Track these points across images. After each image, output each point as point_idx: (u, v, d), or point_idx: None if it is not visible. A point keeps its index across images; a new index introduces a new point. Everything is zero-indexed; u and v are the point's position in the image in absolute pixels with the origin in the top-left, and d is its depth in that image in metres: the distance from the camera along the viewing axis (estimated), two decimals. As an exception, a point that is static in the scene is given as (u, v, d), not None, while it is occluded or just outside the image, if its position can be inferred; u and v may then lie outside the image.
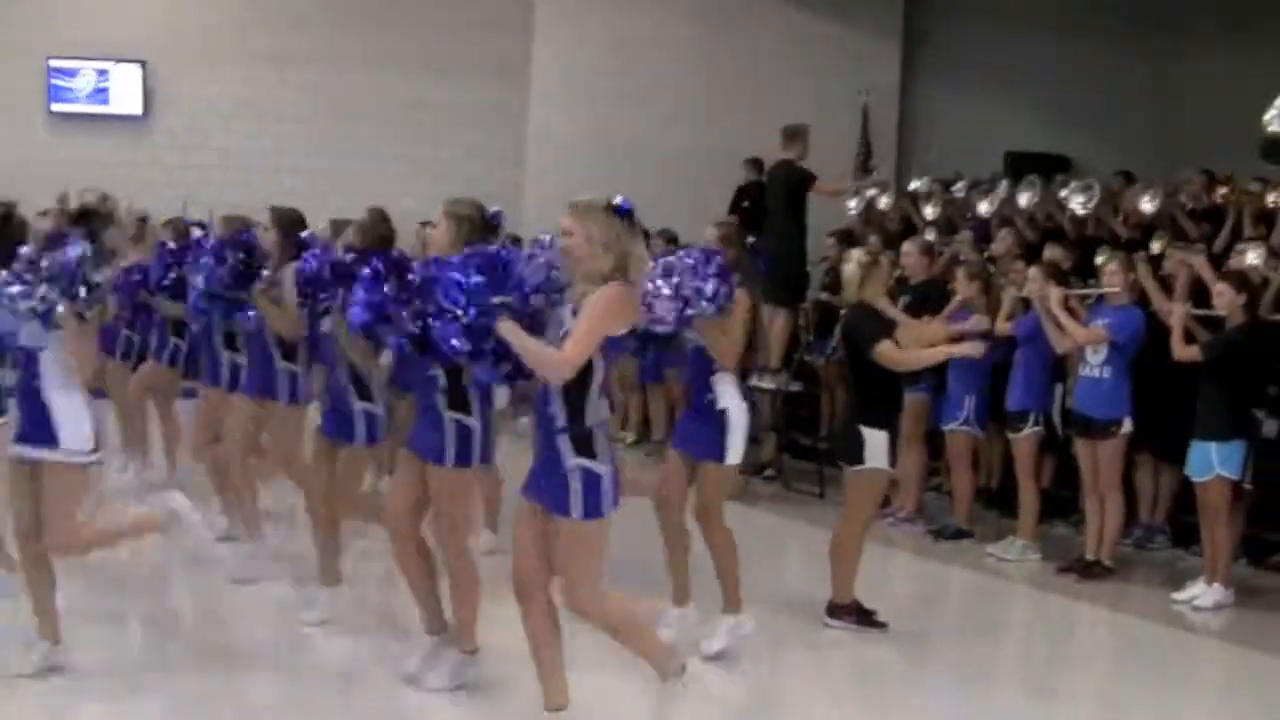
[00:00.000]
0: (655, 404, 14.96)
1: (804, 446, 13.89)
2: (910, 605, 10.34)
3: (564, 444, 5.97)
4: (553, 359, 5.87)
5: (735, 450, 8.13)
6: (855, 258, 8.96)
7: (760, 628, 8.74)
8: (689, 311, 7.73)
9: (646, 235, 16.03)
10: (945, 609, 10.63)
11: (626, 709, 7.08)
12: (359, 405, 8.07)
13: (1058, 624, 10.21)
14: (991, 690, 8.44)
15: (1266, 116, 13.69)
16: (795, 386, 13.64)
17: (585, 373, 5.94)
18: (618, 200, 6.02)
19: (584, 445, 5.98)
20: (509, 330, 5.93)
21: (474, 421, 7.09)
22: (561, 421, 5.96)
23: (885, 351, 8.64)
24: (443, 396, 7.07)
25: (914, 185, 16.33)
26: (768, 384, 13.65)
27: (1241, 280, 10.23)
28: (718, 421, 8.08)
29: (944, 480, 12.53)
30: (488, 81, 19.58)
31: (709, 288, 7.74)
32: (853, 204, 16.10)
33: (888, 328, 8.84)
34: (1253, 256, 11.09)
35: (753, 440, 13.82)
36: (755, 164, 16.81)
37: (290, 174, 19.04)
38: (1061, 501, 11.90)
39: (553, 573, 6.20)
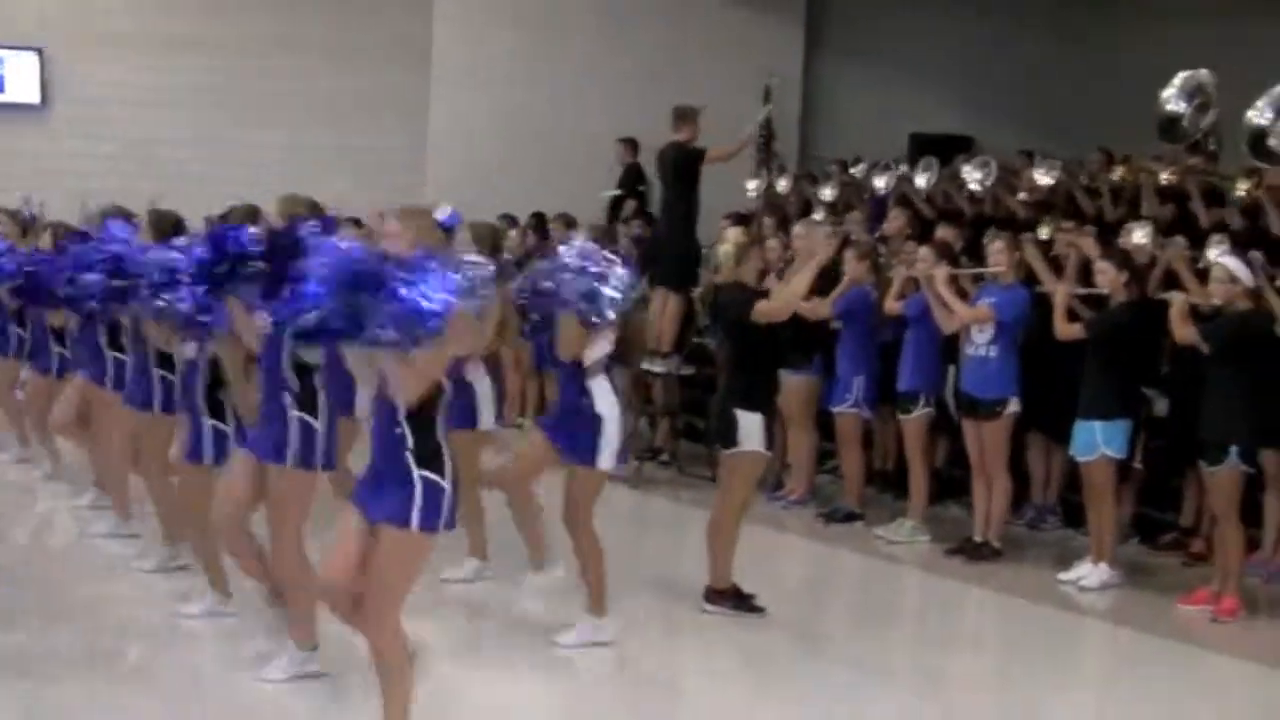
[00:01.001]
0: (552, 390, 14.76)
1: (699, 430, 13.76)
2: (799, 589, 10.36)
3: (409, 458, 5.83)
4: (412, 374, 5.69)
5: (607, 455, 8.04)
6: (731, 238, 8.90)
7: (654, 613, 8.84)
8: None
9: (543, 220, 16.04)
10: (834, 592, 10.64)
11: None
12: (209, 422, 7.92)
13: (945, 606, 10.21)
14: (879, 673, 8.39)
15: (1164, 94, 13.71)
16: (688, 370, 13.51)
17: (434, 394, 5.83)
18: (445, 213, 5.92)
19: (430, 459, 5.84)
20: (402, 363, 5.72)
21: (319, 423, 6.97)
22: (410, 441, 5.82)
23: (763, 307, 8.60)
24: (291, 396, 6.94)
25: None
26: (659, 368, 13.56)
27: (1124, 259, 10.20)
28: (591, 424, 7.99)
29: (839, 463, 12.41)
30: (390, 65, 19.34)
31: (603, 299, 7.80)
32: (751, 185, 15.97)
33: (759, 295, 8.74)
34: (1139, 236, 11.05)
35: (649, 423, 13.93)
36: (630, 145, 16.69)
37: (196, 162, 18.76)
38: (955, 482, 11.83)
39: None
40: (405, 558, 5.90)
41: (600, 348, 8.06)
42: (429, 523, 5.83)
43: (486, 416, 8.99)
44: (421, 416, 5.80)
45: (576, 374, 8.03)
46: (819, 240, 9.44)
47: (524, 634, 8.42)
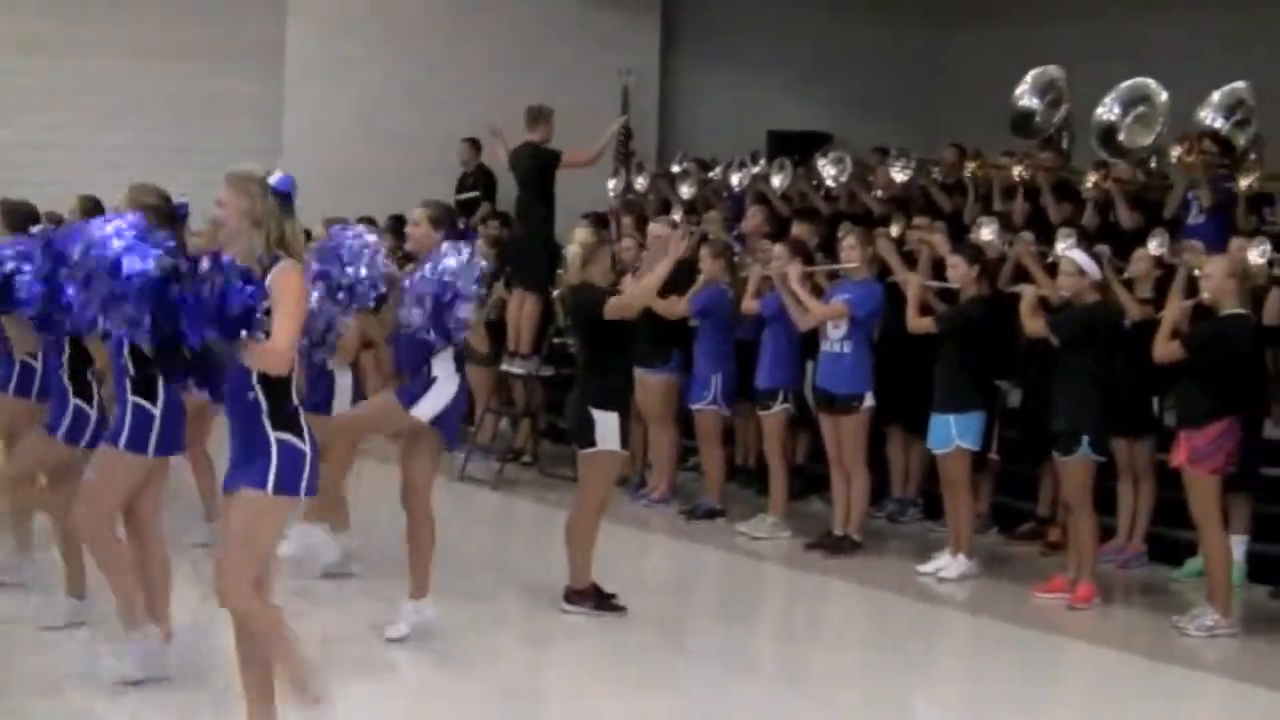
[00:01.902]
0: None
1: (560, 431, 13.79)
2: (662, 586, 10.41)
3: (266, 423, 5.78)
4: (269, 354, 5.66)
5: (427, 406, 8.06)
6: (578, 239, 8.91)
7: (517, 614, 8.91)
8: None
9: (401, 222, 15.94)
10: (697, 589, 10.69)
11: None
12: (73, 401, 7.83)
13: (807, 601, 10.32)
14: (742, 668, 8.48)
15: (1018, 91, 13.97)
16: (547, 371, 13.55)
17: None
18: (275, 176, 5.86)
19: (288, 423, 5.80)
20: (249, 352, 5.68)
21: (155, 409, 6.93)
22: (264, 405, 5.77)
23: (615, 303, 8.67)
24: (130, 382, 6.92)
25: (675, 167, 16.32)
26: (519, 369, 13.59)
27: (975, 253, 10.37)
28: (427, 382, 8.10)
29: (700, 460, 12.52)
30: (243, 66, 19.13)
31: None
32: (610, 184, 16.04)
33: (610, 295, 8.83)
34: (987, 233, 11.23)
35: (511, 424, 13.96)
36: (475, 145, 16.70)
37: (41, 166, 18.44)
38: (816, 477, 11.95)
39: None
40: (259, 520, 5.83)
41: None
42: (286, 486, 5.78)
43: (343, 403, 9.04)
44: (274, 381, 5.76)
45: (421, 348, 8.10)
46: (673, 237, 9.48)
47: (378, 632, 8.41)
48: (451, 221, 8.51)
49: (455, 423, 8.35)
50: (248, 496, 5.79)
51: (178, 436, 7.14)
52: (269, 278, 5.70)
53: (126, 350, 6.83)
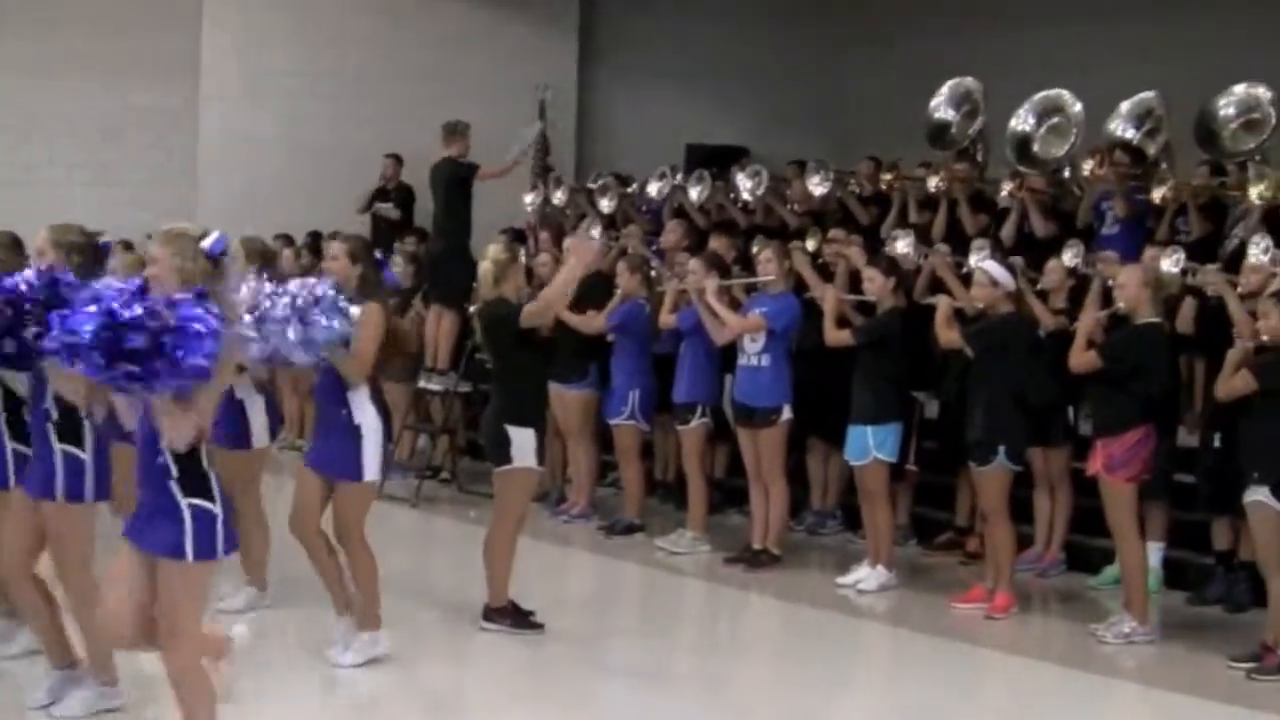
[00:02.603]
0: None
1: (479, 447, 13.75)
2: (582, 602, 10.40)
3: (175, 488, 5.75)
4: (182, 432, 5.62)
5: (371, 465, 8.00)
6: (491, 254, 8.87)
7: (436, 633, 8.86)
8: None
9: (319, 238, 15.87)
10: (617, 604, 10.68)
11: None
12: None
13: (726, 615, 10.34)
14: (662, 682, 8.46)
15: (934, 103, 14.04)
16: (465, 387, 13.51)
17: None
18: (211, 239, 5.80)
19: (196, 486, 5.77)
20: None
21: (85, 455, 6.84)
22: (173, 471, 5.74)
23: (530, 309, 8.59)
24: (53, 427, 6.82)
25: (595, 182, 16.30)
26: (437, 385, 13.56)
27: (890, 265, 10.42)
28: (353, 437, 7.95)
29: (619, 475, 12.51)
30: (158, 81, 18.97)
31: (320, 332, 7.64)
32: (528, 199, 16.02)
33: (521, 308, 8.77)
34: (902, 245, 11.27)
35: (429, 441, 13.91)
36: (398, 160, 16.64)
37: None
38: (735, 491, 11.97)
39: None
40: (187, 588, 5.82)
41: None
42: (204, 552, 5.76)
43: (260, 434, 8.93)
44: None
45: (336, 386, 7.98)
46: (587, 247, 9.46)
47: (303, 655, 8.38)
48: (370, 255, 8.44)
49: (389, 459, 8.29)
50: (170, 568, 5.77)
51: (107, 481, 7.04)
52: None
53: (50, 396, 6.75)
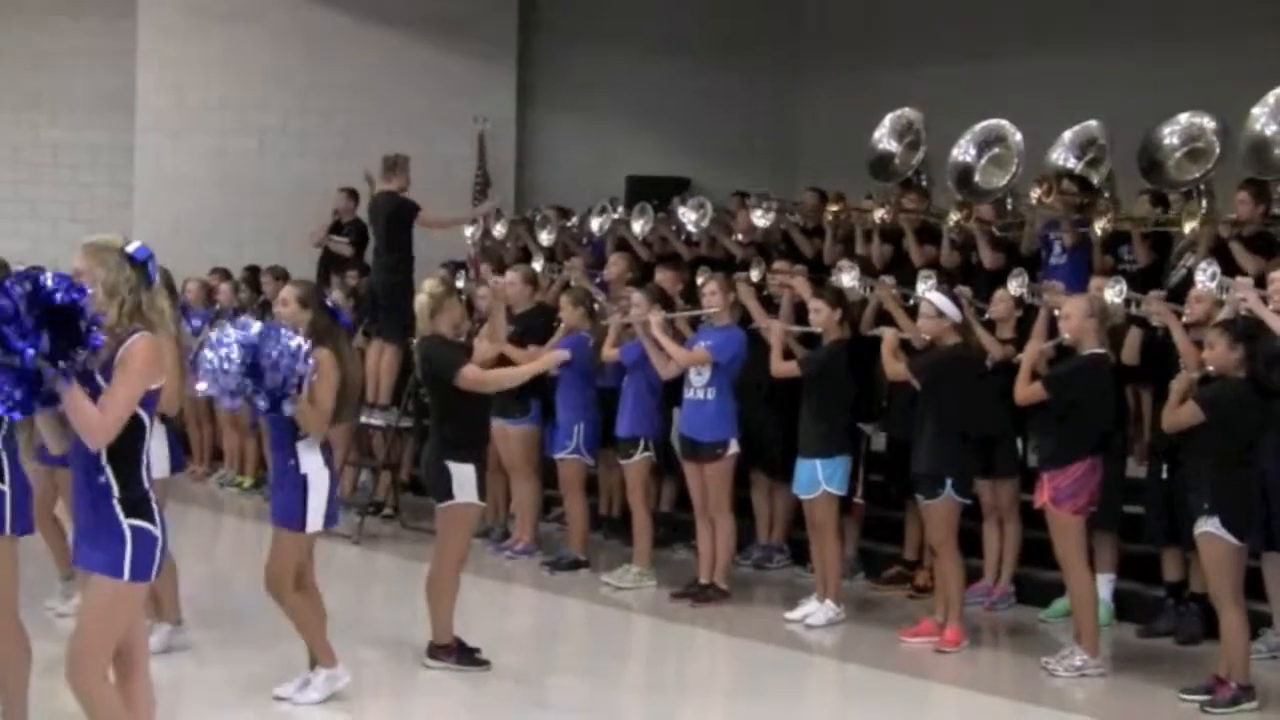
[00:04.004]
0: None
1: (421, 483, 13.66)
2: (526, 639, 10.34)
3: (117, 509, 5.67)
4: (93, 425, 5.51)
5: (315, 518, 7.93)
6: (427, 288, 8.82)
7: (379, 671, 8.80)
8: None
9: (256, 273, 15.80)
10: (561, 641, 10.61)
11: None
12: None
13: (674, 651, 10.25)
14: (607, 720, 8.38)
15: (876, 134, 14.09)
16: (407, 422, 13.42)
17: (136, 434, 5.66)
18: (133, 246, 5.73)
19: (138, 507, 5.70)
20: (69, 393, 5.47)
21: (3, 486, 6.69)
22: (114, 489, 5.65)
23: (470, 376, 8.59)
24: None
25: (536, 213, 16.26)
26: (378, 420, 13.47)
27: (836, 297, 10.41)
28: (299, 488, 7.90)
29: (563, 510, 12.44)
30: (91, 115, 18.87)
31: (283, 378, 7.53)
32: (469, 231, 15.95)
33: (465, 352, 8.78)
34: (847, 278, 11.26)
35: (371, 477, 13.81)
36: (354, 195, 16.58)
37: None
38: (681, 525, 11.91)
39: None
40: (116, 607, 5.77)
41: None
42: (141, 573, 5.71)
43: (159, 464, 8.78)
44: (125, 460, 5.65)
45: (285, 434, 7.92)
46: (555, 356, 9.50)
47: (233, 693, 8.29)
48: (320, 299, 8.39)
49: (336, 504, 8.24)
50: (102, 583, 5.70)
51: (29, 513, 6.92)
52: (120, 350, 5.58)
53: None
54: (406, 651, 9.07)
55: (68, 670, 5.75)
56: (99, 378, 5.58)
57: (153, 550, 5.72)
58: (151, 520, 5.72)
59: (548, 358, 9.24)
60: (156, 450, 8.57)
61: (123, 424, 5.57)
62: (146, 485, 5.73)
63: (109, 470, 5.64)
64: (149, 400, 5.69)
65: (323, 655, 8.11)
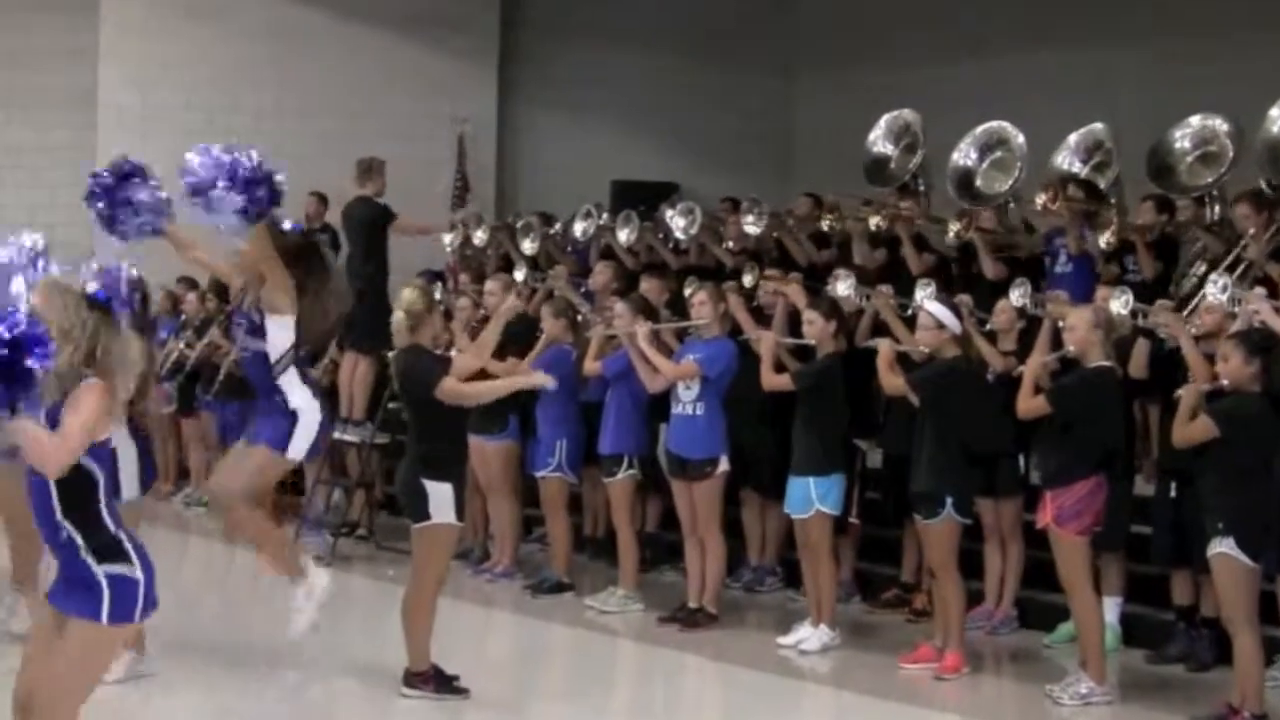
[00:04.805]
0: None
1: (397, 502, 13.63)
2: (508, 666, 10.36)
3: (88, 560, 5.67)
4: (46, 453, 5.48)
5: (300, 446, 8.27)
6: (405, 302, 8.83)
7: (354, 698, 8.86)
8: None
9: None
10: (544, 668, 10.61)
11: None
12: None
13: (661, 678, 10.25)
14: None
15: (872, 137, 14.08)
16: (382, 438, 13.41)
17: (89, 487, 5.68)
18: (92, 287, 5.73)
19: (111, 552, 5.70)
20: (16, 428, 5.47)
21: None
22: (79, 541, 5.67)
23: (449, 388, 8.59)
24: None
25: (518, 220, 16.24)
26: (352, 436, 13.44)
27: (831, 307, 10.38)
28: (288, 417, 8.23)
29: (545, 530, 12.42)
30: (53, 116, 18.82)
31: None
32: (448, 239, 15.93)
33: (444, 364, 8.78)
34: (842, 288, 11.23)
35: (345, 496, 13.79)
36: (323, 200, 16.53)
37: None
38: (670, 546, 11.90)
39: None
40: (93, 651, 5.78)
41: (282, 338, 8.28)
42: (123, 616, 5.71)
43: (128, 485, 8.76)
44: (81, 511, 5.65)
45: (265, 374, 8.16)
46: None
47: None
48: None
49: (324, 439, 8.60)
50: (83, 628, 5.69)
51: None
52: (71, 395, 5.59)
53: None
54: (382, 679, 9.02)
55: (38, 715, 5.74)
56: (43, 419, 5.58)
57: (134, 593, 5.72)
58: (127, 561, 5.72)
59: (532, 379, 9.22)
60: (126, 470, 8.68)
61: (76, 455, 5.55)
62: (113, 528, 5.73)
63: (68, 525, 5.66)
64: (101, 451, 5.70)
65: (292, 567, 8.22)
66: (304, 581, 8.27)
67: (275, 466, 8.32)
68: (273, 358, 8.27)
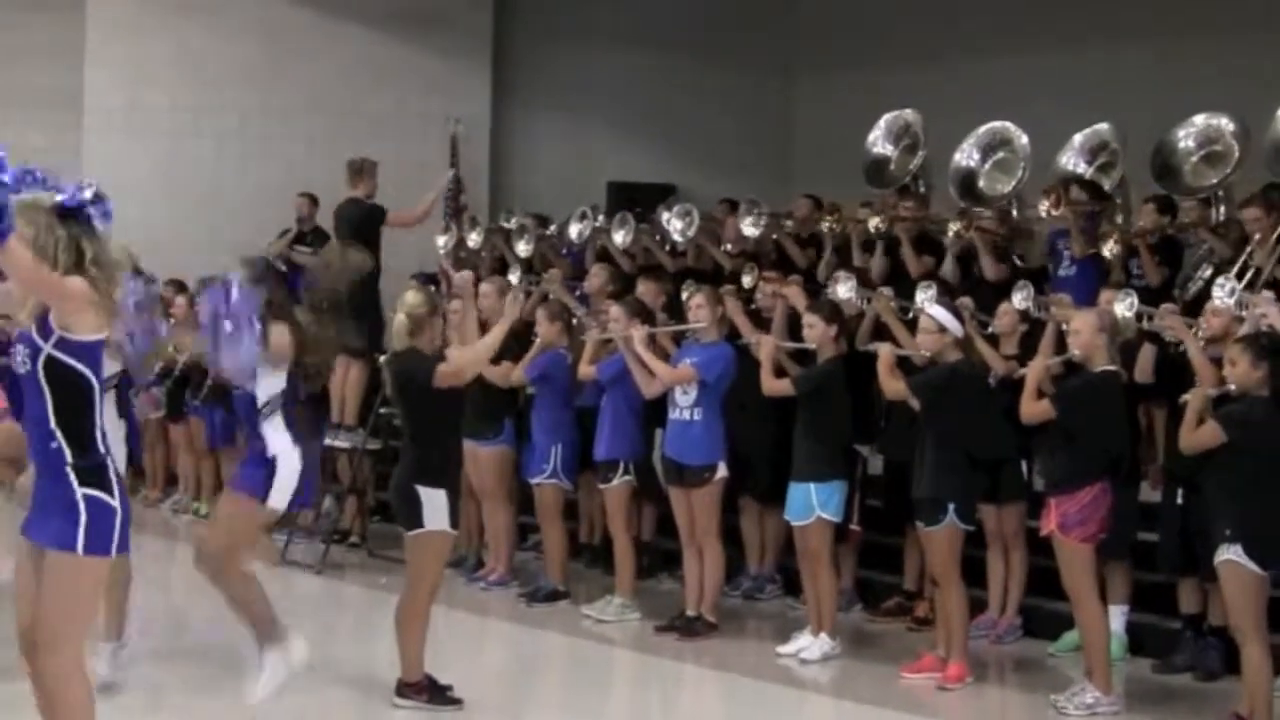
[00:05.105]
0: (229, 470, 14.52)
1: (389, 509, 13.63)
2: (502, 676, 10.32)
3: (71, 476, 5.75)
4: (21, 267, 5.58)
5: (279, 495, 8.08)
6: (408, 305, 8.79)
7: (346, 709, 8.85)
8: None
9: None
10: (540, 678, 10.57)
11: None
12: None
13: (659, 688, 10.25)
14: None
15: (871, 137, 14.06)
16: (374, 444, 13.39)
17: (83, 395, 5.76)
18: (60, 196, 5.73)
19: (94, 476, 5.78)
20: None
21: None
22: (67, 454, 5.75)
23: (445, 370, 8.57)
24: None
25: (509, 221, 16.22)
26: (344, 442, 13.42)
27: (832, 311, 10.37)
28: (265, 464, 8.08)
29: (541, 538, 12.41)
30: (37, 116, 18.76)
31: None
32: (441, 241, 15.92)
33: (436, 358, 8.73)
34: (843, 291, 11.22)
35: (336, 502, 13.77)
36: (313, 200, 16.54)
37: None
38: (668, 554, 11.88)
39: None
40: (75, 584, 5.79)
41: (272, 384, 8.17)
42: (97, 546, 5.74)
43: (118, 458, 8.78)
44: (76, 421, 5.74)
45: (252, 417, 8.10)
46: (507, 301, 9.47)
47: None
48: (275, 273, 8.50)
49: (312, 488, 8.43)
50: (59, 560, 5.73)
51: None
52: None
53: None
54: (374, 689, 9.01)
55: (38, 658, 5.80)
56: (36, 337, 5.70)
57: (110, 522, 5.77)
58: (108, 491, 5.79)
59: (512, 310, 9.16)
60: (115, 448, 8.67)
61: (50, 285, 5.62)
62: (103, 453, 5.81)
63: (59, 435, 5.73)
64: (94, 356, 5.76)
65: (271, 634, 8.10)
66: (281, 647, 8.17)
67: (257, 516, 8.19)
68: (259, 401, 8.17)
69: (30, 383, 5.77)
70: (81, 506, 5.71)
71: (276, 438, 8.05)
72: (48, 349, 5.71)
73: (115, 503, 5.79)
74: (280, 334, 8.09)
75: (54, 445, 5.74)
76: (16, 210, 5.69)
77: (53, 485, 5.77)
